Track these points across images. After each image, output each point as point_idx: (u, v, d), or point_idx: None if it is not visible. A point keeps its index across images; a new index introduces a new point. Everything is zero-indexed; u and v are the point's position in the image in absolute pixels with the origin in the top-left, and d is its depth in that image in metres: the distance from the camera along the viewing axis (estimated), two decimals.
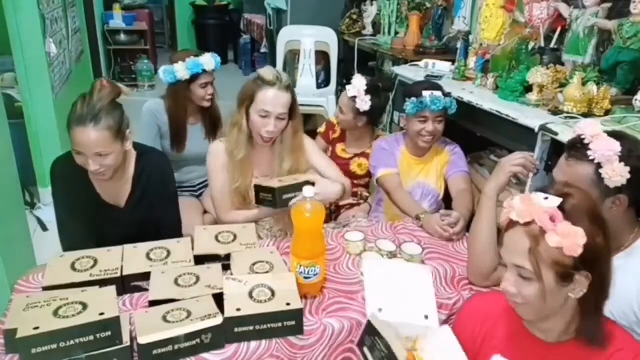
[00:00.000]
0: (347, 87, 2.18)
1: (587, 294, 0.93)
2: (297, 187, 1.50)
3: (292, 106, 1.67)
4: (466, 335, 1.11)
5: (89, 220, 1.58)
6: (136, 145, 1.62)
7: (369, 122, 2.26)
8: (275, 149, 1.73)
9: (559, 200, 0.92)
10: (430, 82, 2.03)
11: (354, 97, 2.14)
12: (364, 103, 2.14)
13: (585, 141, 1.17)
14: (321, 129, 2.40)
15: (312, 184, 1.44)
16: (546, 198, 0.93)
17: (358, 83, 2.16)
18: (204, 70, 2.12)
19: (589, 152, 1.16)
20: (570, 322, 0.99)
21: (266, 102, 1.61)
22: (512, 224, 0.96)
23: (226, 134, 1.74)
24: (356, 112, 2.18)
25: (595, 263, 0.91)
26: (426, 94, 1.86)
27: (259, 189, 1.59)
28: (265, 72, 1.65)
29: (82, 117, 1.42)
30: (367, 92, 2.13)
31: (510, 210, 0.96)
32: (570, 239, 0.88)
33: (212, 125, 2.28)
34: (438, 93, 1.88)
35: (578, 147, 1.19)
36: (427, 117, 1.88)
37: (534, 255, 0.91)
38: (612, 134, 1.18)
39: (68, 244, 1.55)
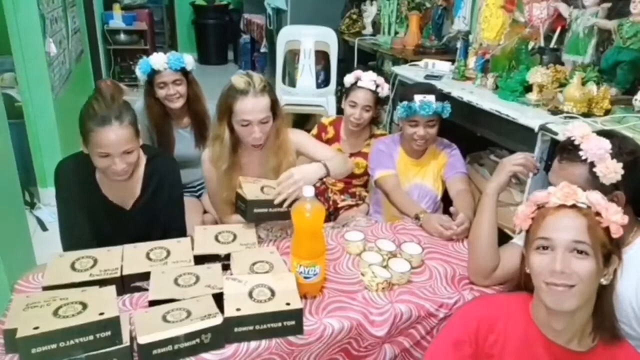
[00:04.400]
0: (362, 84, 2.17)
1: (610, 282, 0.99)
2: (272, 204, 1.50)
3: (274, 107, 1.64)
4: (468, 335, 1.10)
5: (94, 223, 1.58)
6: (146, 149, 1.61)
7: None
8: (263, 150, 1.72)
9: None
10: (425, 86, 2.00)
11: (377, 87, 2.18)
12: (386, 89, 2.21)
13: (576, 142, 1.19)
14: (313, 131, 2.39)
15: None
16: None
17: (370, 76, 2.19)
18: (154, 70, 2.06)
19: (580, 153, 1.17)
20: (587, 322, 1.01)
21: (245, 111, 1.58)
22: (553, 210, 1.00)
23: (208, 145, 1.73)
24: (377, 103, 2.23)
25: (620, 248, 0.99)
26: (417, 98, 1.85)
27: (238, 196, 1.58)
28: (237, 80, 1.61)
29: (106, 117, 1.41)
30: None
31: (546, 198, 1.01)
32: (619, 218, 0.96)
33: (197, 130, 2.22)
34: (430, 97, 1.86)
35: (570, 149, 1.21)
36: (417, 121, 1.88)
37: (593, 232, 0.95)
38: (601, 133, 1.21)
39: (70, 247, 1.54)
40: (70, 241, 1.56)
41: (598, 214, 0.97)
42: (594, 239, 0.95)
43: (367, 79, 2.18)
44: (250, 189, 1.55)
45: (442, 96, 1.95)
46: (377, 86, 2.18)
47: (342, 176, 1.80)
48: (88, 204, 1.57)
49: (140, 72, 2.10)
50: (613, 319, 1.02)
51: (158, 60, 2.06)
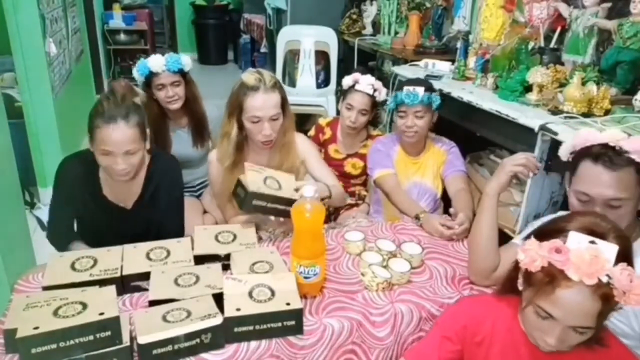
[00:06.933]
0: (359, 87, 2.16)
1: None
2: (275, 200, 1.50)
3: (283, 104, 1.65)
4: (455, 333, 1.11)
5: (92, 221, 1.58)
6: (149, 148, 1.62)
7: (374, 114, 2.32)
8: (270, 150, 1.72)
9: (615, 248, 0.88)
10: (416, 79, 2.04)
11: (374, 91, 2.18)
12: (383, 93, 2.21)
13: (617, 147, 1.17)
14: (311, 132, 2.39)
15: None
16: (592, 242, 0.89)
17: (368, 80, 2.18)
18: (152, 72, 2.05)
19: (633, 156, 1.15)
20: None
21: (256, 107, 1.58)
22: (566, 283, 0.88)
23: (217, 144, 1.73)
24: (374, 107, 2.22)
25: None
26: (406, 89, 1.88)
27: (238, 183, 1.55)
28: (248, 77, 1.62)
29: (113, 115, 1.42)
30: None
31: (564, 262, 0.88)
32: (638, 298, 0.85)
33: (196, 130, 2.22)
34: (419, 89, 1.88)
35: (612, 155, 1.17)
36: (406, 112, 1.89)
37: (603, 315, 0.88)
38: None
39: (53, 238, 1.62)
40: (54, 234, 1.62)
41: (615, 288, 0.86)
42: (600, 321, 0.88)
43: (365, 82, 2.16)
44: (254, 179, 1.53)
45: (440, 95, 1.96)
46: (375, 90, 2.18)
47: (334, 205, 1.84)
48: (87, 203, 1.57)
49: (138, 74, 2.09)
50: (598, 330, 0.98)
51: (156, 62, 2.05)
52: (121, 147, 1.43)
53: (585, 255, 0.86)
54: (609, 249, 0.87)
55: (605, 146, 1.18)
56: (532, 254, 0.92)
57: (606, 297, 0.86)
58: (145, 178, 1.61)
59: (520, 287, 1.02)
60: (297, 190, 1.52)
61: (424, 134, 1.97)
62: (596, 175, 1.18)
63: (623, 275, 0.85)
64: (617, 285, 0.85)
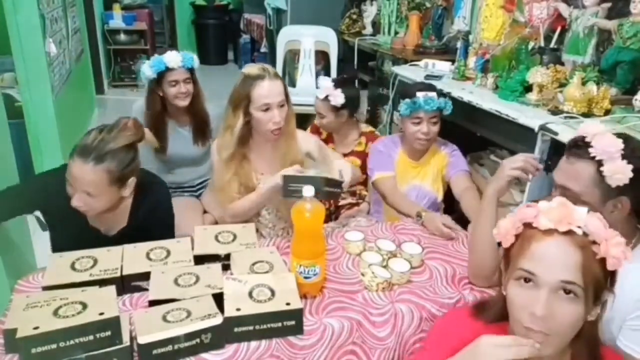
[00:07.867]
0: (316, 92, 2.29)
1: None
2: (307, 181, 1.44)
3: (286, 93, 1.68)
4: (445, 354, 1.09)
5: (70, 241, 1.46)
6: (141, 175, 1.52)
7: (350, 115, 2.34)
8: (273, 142, 1.73)
9: (584, 208, 0.85)
10: (425, 84, 2.03)
11: (327, 96, 2.24)
12: (338, 97, 2.24)
13: (587, 139, 1.15)
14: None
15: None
16: None
17: (325, 84, 2.27)
18: (168, 68, 2.09)
19: (590, 150, 1.13)
20: (566, 349, 0.91)
21: (263, 95, 1.61)
22: (541, 235, 0.85)
23: (218, 135, 1.74)
24: (334, 109, 2.27)
25: (614, 279, 0.86)
26: (420, 94, 1.87)
27: (288, 179, 1.48)
28: (250, 69, 1.65)
29: (87, 150, 1.36)
30: (335, 87, 2.25)
31: (536, 215, 0.85)
32: (619, 248, 0.81)
33: (198, 128, 2.24)
34: (432, 94, 1.88)
35: (579, 146, 1.16)
36: (421, 118, 1.88)
37: (587, 271, 0.81)
38: (617, 135, 1.16)
39: None
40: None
41: (594, 242, 0.83)
42: (586, 279, 0.81)
43: (322, 86, 2.26)
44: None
45: (441, 95, 1.96)
46: (328, 95, 2.24)
47: (352, 182, 1.86)
48: (69, 224, 1.50)
49: (151, 70, 2.10)
50: (596, 351, 0.92)
51: (172, 58, 2.10)
52: (79, 185, 1.37)
53: (553, 204, 0.86)
54: (578, 208, 0.86)
55: (580, 137, 1.18)
56: (504, 224, 0.91)
57: (584, 246, 0.82)
58: (131, 211, 1.55)
59: (504, 292, 0.96)
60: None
61: (434, 140, 1.97)
62: (560, 163, 1.22)
63: (594, 220, 0.83)
64: (592, 230, 0.82)
